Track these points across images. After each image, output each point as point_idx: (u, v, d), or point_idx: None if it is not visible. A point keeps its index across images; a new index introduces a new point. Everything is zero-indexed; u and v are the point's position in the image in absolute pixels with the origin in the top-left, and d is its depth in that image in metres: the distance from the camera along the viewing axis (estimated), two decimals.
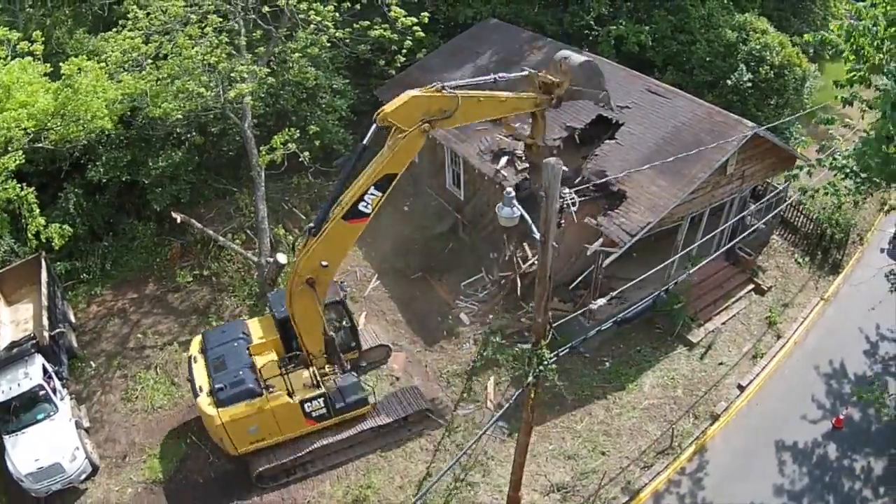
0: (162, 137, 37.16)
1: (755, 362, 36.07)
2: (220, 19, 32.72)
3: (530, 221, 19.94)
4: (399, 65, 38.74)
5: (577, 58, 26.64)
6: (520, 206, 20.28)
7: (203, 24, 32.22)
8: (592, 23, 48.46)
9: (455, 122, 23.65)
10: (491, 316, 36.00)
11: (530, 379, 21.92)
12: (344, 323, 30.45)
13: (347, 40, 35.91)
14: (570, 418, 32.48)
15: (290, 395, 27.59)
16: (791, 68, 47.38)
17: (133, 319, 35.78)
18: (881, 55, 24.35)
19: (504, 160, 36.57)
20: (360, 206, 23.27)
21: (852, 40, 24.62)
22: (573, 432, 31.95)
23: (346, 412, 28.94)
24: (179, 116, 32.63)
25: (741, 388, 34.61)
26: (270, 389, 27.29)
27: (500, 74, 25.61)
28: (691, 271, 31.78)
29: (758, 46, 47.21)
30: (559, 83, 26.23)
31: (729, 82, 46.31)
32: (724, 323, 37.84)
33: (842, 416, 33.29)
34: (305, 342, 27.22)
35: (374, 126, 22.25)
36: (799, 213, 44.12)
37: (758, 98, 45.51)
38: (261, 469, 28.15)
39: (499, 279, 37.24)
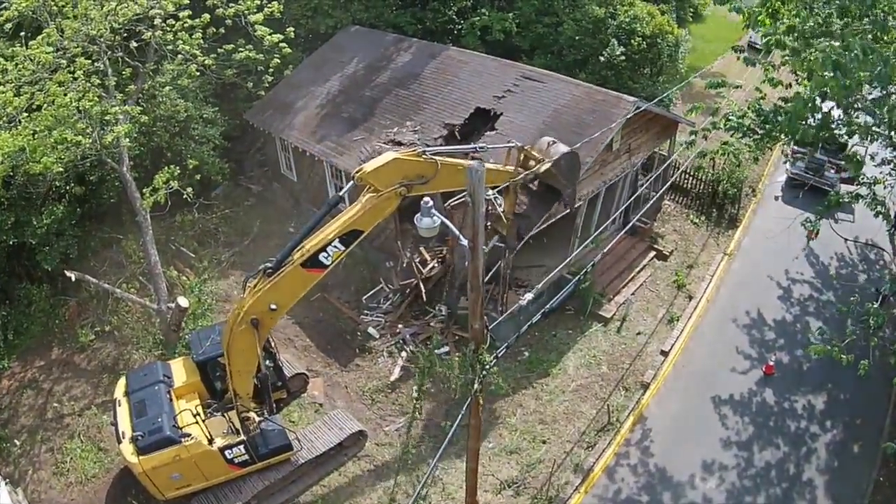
0: (42, 193, 36.15)
1: (672, 326, 37.46)
2: (88, 61, 32.37)
3: (456, 231, 20.47)
4: (267, 84, 39.39)
5: (563, 147, 26.63)
6: (440, 214, 20.45)
7: (72, 69, 31.76)
8: (455, 17, 49.77)
9: (431, 187, 23.01)
10: (400, 325, 36.14)
11: (476, 386, 22.21)
12: (267, 363, 29.83)
13: (213, 66, 36.09)
14: (503, 413, 33.03)
15: (210, 441, 27.23)
16: (663, 36, 49.24)
17: (45, 388, 34.60)
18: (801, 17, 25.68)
19: None
20: (321, 257, 22.75)
21: (769, 4, 26.15)
22: (509, 426, 32.44)
23: (269, 457, 28.70)
24: (60, 169, 31.50)
25: (664, 354, 35.80)
26: (188, 438, 26.81)
27: (481, 144, 25.67)
28: (599, 254, 33.72)
29: (627, 19, 48.80)
30: (541, 161, 26.04)
31: (602, 58, 47.75)
32: (633, 294, 39.11)
33: (771, 363, 34.89)
34: (235, 383, 26.60)
35: (350, 183, 22.15)
36: (689, 176, 46.01)
37: (632, 70, 47.38)
38: None
39: (400, 287, 37.22)
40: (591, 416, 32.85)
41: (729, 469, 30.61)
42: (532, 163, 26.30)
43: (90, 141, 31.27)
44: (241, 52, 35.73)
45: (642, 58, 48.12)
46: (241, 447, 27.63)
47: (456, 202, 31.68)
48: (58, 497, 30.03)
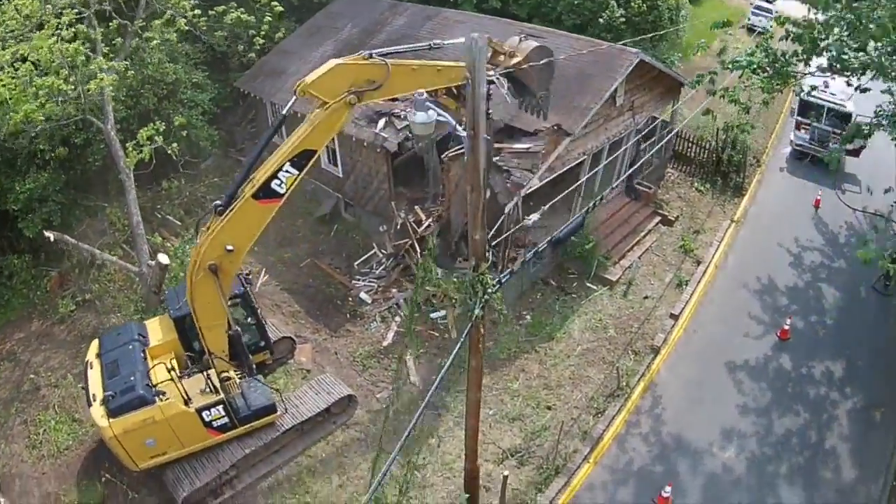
0: (26, 158, 32.69)
1: (681, 290, 33.23)
2: (74, 11, 29.38)
3: (453, 122, 17.17)
4: (258, 47, 35.67)
5: (535, 42, 22.77)
6: (435, 107, 17.16)
7: (59, 25, 28.60)
8: None
9: (385, 93, 19.09)
10: (394, 290, 31.79)
11: (477, 311, 17.93)
12: (248, 320, 26.03)
13: (204, 28, 33.01)
14: (504, 378, 28.74)
15: (187, 402, 23.12)
16: None
17: (24, 360, 30.59)
18: None
19: (382, 122, 32.66)
20: (273, 185, 19.58)
21: None
22: (511, 392, 28.16)
23: (251, 421, 24.48)
24: (42, 118, 28.07)
25: (674, 318, 31.61)
26: (162, 397, 22.66)
27: (436, 41, 20.51)
28: (603, 199, 29.71)
29: None
30: (512, 54, 22.23)
31: (601, 20, 43.65)
32: (639, 258, 34.94)
33: (786, 327, 30.81)
34: (207, 340, 22.63)
35: (293, 98, 18.52)
36: (692, 144, 42.18)
37: (632, 33, 42.52)
38: (184, 495, 23.30)
39: (393, 251, 32.76)
40: (598, 381, 28.61)
41: (748, 437, 26.55)
42: (501, 58, 22.34)
43: (73, 89, 28.24)
44: (233, 13, 32.81)
45: (643, 20, 43.99)
46: (221, 408, 23.51)
47: (453, 153, 27.70)
48: (29, 471, 26.02)
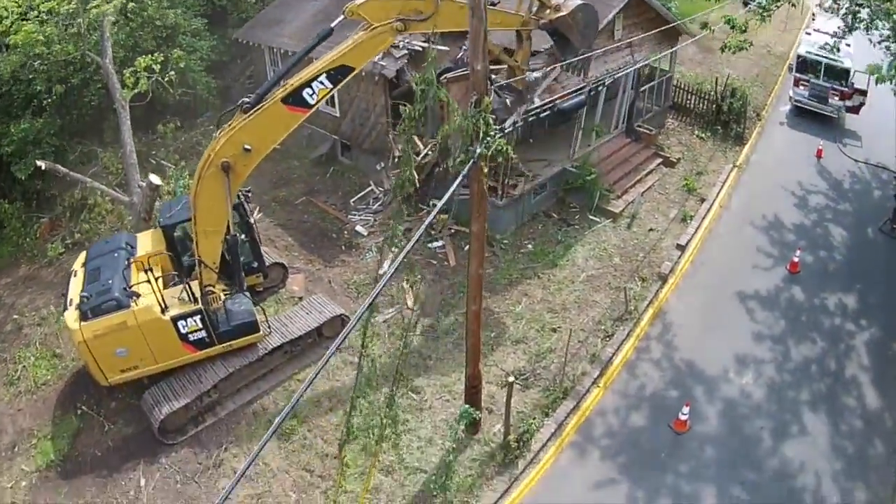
0: (22, 103, 30.74)
1: (686, 224, 29.89)
2: None
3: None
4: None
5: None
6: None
7: None
8: None
9: (430, 26, 18.35)
10: (392, 222, 27.96)
11: (479, 150, 15.47)
12: (243, 237, 22.64)
13: None
14: (506, 302, 25.42)
15: (163, 310, 20.09)
16: None
17: (8, 303, 27.65)
18: None
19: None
20: (305, 93, 18.08)
21: None
22: (513, 315, 24.84)
23: (230, 338, 21.28)
24: (42, 40, 26.51)
25: (681, 248, 28.32)
26: (137, 299, 19.76)
27: None
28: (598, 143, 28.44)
29: None
30: (557, 7, 21.62)
31: None
32: (642, 194, 31.49)
33: (796, 259, 27.60)
34: (201, 246, 19.76)
35: (340, 17, 17.59)
36: (691, 94, 38.80)
37: None
38: (162, 418, 20.09)
39: (391, 187, 29.34)
40: (605, 306, 25.36)
41: (765, 363, 23.40)
42: (547, 11, 21.85)
43: (74, 9, 26.37)
44: None
45: None
46: (198, 319, 20.35)
47: (454, 75, 25.14)
48: (4, 408, 22.95)
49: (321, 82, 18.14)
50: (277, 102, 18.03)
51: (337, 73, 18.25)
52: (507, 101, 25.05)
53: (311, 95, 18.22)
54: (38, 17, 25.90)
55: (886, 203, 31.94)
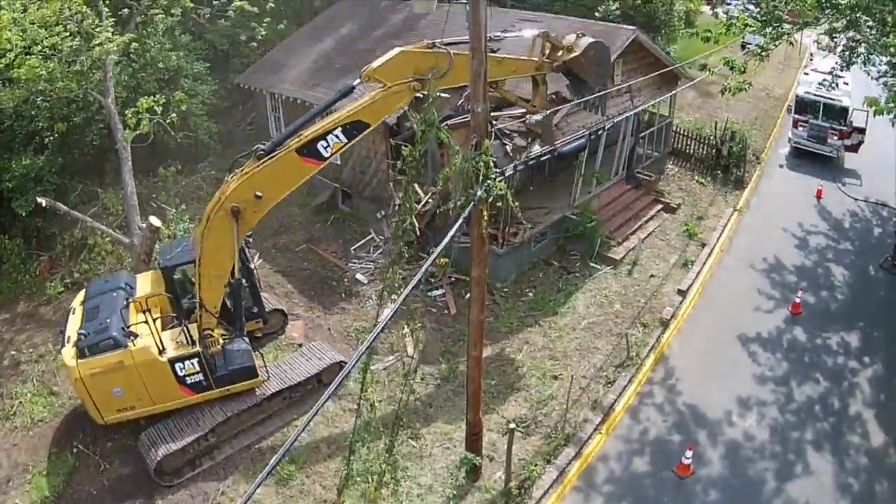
0: (23, 139, 30.89)
1: (687, 269, 29.92)
2: None
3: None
4: (261, 38, 34.17)
5: (591, 38, 22.16)
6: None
7: None
8: None
9: (448, 82, 18.48)
10: (391, 267, 28.17)
11: (480, 193, 15.67)
12: (243, 282, 22.58)
13: (208, 16, 31.36)
14: (506, 350, 25.38)
15: (161, 351, 20.10)
16: None
17: (6, 339, 27.60)
18: None
19: None
20: (319, 145, 18.22)
21: None
22: (514, 363, 24.78)
23: (229, 382, 21.28)
24: (44, 75, 26.37)
25: (682, 294, 28.31)
26: (134, 339, 19.85)
27: (496, 33, 20.85)
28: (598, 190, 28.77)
29: None
30: (570, 48, 21.81)
31: (597, 14, 40.87)
32: (642, 240, 31.54)
33: (797, 300, 27.67)
34: (204, 289, 19.82)
35: (357, 81, 18.28)
36: (691, 139, 39.29)
37: (628, 24, 39.85)
38: (158, 459, 19.96)
39: (394, 238, 29.39)
40: (607, 352, 25.25)
41: (768, 405, 23.24)
42: (559, 53, 21.86)
43: (77, 46, 26.44)
44: (237, 3, 30.94)
45: (639, 13, 41.29)
46: (196, 362, 20.37)
47: (455, 122, 25.44)
48: (0, 442, 22.81)
49: (336, 136, 18.29)
50: (292, 152, 18.17)
51: (352, 128, 18.42)
52: (508, 147, 25.26)
53: (325, 148, 18.39)
54: (41, 51, 26.00)
55: (887, 240, 32.23)
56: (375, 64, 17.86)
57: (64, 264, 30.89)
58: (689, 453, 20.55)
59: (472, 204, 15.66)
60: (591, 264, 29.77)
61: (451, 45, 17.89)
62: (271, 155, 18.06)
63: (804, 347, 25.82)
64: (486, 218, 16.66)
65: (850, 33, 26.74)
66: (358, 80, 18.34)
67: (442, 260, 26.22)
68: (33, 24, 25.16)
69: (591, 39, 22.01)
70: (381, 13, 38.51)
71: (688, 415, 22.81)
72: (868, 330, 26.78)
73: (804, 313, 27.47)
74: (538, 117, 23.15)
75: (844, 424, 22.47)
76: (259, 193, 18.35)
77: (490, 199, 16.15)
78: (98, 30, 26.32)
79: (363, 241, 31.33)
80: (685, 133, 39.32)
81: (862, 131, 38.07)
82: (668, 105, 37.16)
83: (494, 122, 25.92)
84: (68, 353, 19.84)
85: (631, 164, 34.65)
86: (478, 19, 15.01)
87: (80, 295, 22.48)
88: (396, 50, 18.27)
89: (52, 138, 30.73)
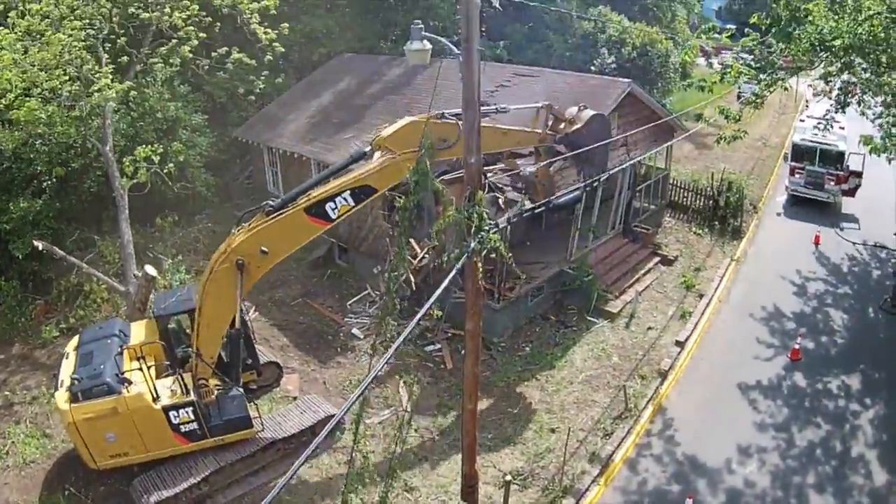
0: (21, 182, 30.97)
1: (685, 321, 29.92)
2: (85, 22, 27.34)
3: (448, 44, 17.69)
4: (259, 90, 34.30)
5: (593, 111, 23.34)
6: (430, 37, 17.33)
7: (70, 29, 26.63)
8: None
9: (455, 152, 19.30)
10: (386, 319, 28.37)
11: (473, 244, 15.78)
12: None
13: (206, 67, 31.40)
14: (503, 404, 25.30)
15: (155, 399, 20.22)
16: (653, 45, 44.24)
17: (1, 379, 27.66)
18: None
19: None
20: (328, 206, 18.73)
21: None
22: (511, 416, 24.69)
23: (223, 432, 21.36)
24: (44, 118, 26.73)
25: (680, 345, 28.27)
26: (129, 386, 20.03)
27: (503, 105, 21.50)
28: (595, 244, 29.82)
29: (616, 33, 43.84)
30: (572, 121, 22.75)
31: (592, 68, 41.41)
32: (640, 293, 31.63)
33: (797, 347, 27.67)
34: (202, 339, 19.93)
35: (368, 148, 19.12)
36: (688, 192, 39.70)
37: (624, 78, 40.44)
38: None
39: (387, 289, 29.56)
40: (604, 405, 25.18)
41: (769, 451, 23.07)
42: (562, 125, 22.85)
43: (77, 90, 26.47)
44: (235, 55, 30.85)
45: (634, 66, 41.68)
46: (190, 411, 20.51)
47: (450, 177, 25.74)
48: None
49: (344, 198, 18.71)
50: (300, 211, 18.53)
51: (360, 192, 18.84)
52: (500, 200, 25.51)
53: (333, 210, 18.76)
54: (40, 94, 26.20)
55: (886, 281, 32.41)
56: (385, 133, 18.65)
57: (59, 309, 31.06)
58: (688, 502, 20.44)
59: (465, 256, 15.74)
60: (589, 318, 29.81)
61: (459, 116, 18.02)
62: (280, 212, 18.45)
63: (804, 393, 25.76)
64: (480, 270, 16.70)
65: (845, 76, 26.94)
66: (368, 148, 19.00)
67: (436, 312, 26.30)
68: (33, 66, 25.32)
69: (593, 112, 22.80)
70: (378, 67, 39.11)
71: (687, 464, 22.64)
72: (869, 372, 26.80)
73: (804, 359, 27.46)
74: (532, 169, 23.43)
75: (847, 466, 22.35)
76: (265, 248, 18.65)
77: (484, 252, 16.26)
78: (97, 76, 26.65)
79: (359, 297, 31.39)
80: (682, 185, 39.72)
81: (859, 175, 38.41)
82: (664, 157, 37.48)
83: (488, 175, 26.26)
84: (62, 397, 19.96)
85: (628, 218, 34.83)
86: (471, 72, 15.38)
87: (74, 340, 22.62)
88: (406, 120, 19.03)
89: (50, 183, 30.88)
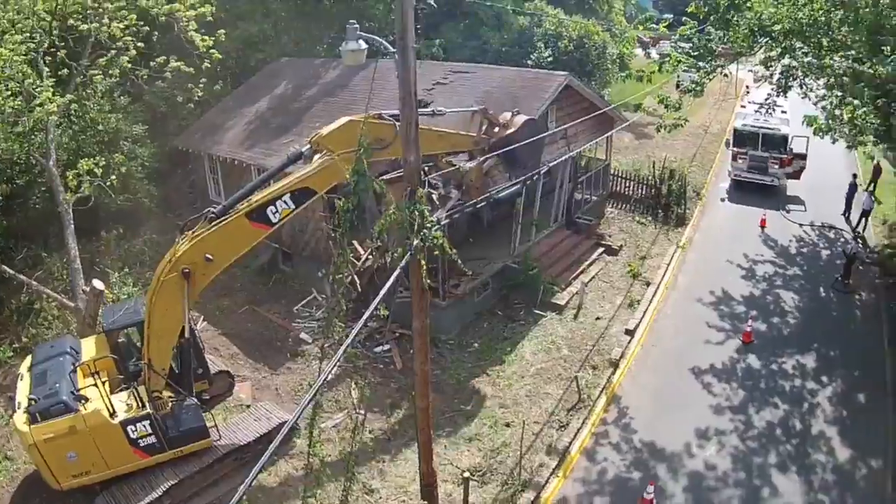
0: None
1: (633, 309, 30.13)
2: (25, 36, 27.36)
3: (383, 43, 16.66)
4: (197, 97, 33.52)
5: (525, 116, 23.84)
6: (366, 37, 16.59)
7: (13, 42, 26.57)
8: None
9: (389, 153, 19.19)
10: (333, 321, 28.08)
11: (416, 242, 15.65)
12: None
13: (146, 77, 30.87)
14: (456, 402, 25.15)
15: (112, 414, 19.94)
16: (590, 38, 44.59)
17: None
18: None
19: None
20: (269, 211, 18.77)
21: None
22: (465, 414, 24.53)
23: (181, 444, 21.03)
24: None
25: (630, 333, 28.48)
26: (85, 403, 19.67)
27: (439, 108, 22.08)
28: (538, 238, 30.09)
29: (552, 27, 44.07)
30: (506, 125, 23.43)
31: (529, 62, 41.41)
32: (586, 284, 31.67)
33: (748, 330, 27.84)
34: (152, 350, 19.63)
35: (307, 147, 19.02)
36: (629, 181, 40.00)
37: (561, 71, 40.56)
38: None
39: (332, 291, 29.31)
40: (557, 396, 25.10)
41: (727, 433, 23.23)
42: (496, 129, 23.43)
43: (21, 107, 26.31)
44: (174, 64, 30.43)
45: (571, 58, 41.86)
46: (147, 424, 20.21)
47: (390, 177, 25.59)
48: None
49: (285, 202, 18.70)
50: (242, 217, 18.43)
51: (300, 195, 18.83)
52: (434, 196, 25.37)
53: (274, 213, 18.73)
54: None
55: (836, 261, 32.88)
56: (324, 131, 18.64)
57: (11, 329, 30.23)
58: (650, 488, 20.35)
59: (408, 254, 15.58)
60: (536, 311, 29.77)
61: (397, 117, 17.83)
62: (222, 218, 18.28)
63: (759, 374, 25.96)
64: (424, 267, 16.52)
65: (786, 60, 27.20)
66: (307, 147, 18.86)
67: (382, 312, 26.09)
68: None
69: (526, 118, 23.28)
70: (315, 70, 38.83)
71: (645, 451, 22.66)
72: (823, 350, 27.16)
73: (756, 341, 27.68)
74: (471, 164, 23.38)
75: (808, 444, 22.56)
76: (210, 256, 18.50)
77: (427, 249, 16.11)
78: (39, 90, 26.26)
79: (305, 301, 31.10)
80: (623, 175, 39.97)
81: (803, 157, 38.89)
82: (604, 148, 37.60)
83: (427, 172, 26.18)
84: (20, 418, 19.57)
85: (570, 210, 34.97)
86: (407, 68, 15.24)
87: (27, 360, 22.23)
88: (344, 119, 19.03)
89: None
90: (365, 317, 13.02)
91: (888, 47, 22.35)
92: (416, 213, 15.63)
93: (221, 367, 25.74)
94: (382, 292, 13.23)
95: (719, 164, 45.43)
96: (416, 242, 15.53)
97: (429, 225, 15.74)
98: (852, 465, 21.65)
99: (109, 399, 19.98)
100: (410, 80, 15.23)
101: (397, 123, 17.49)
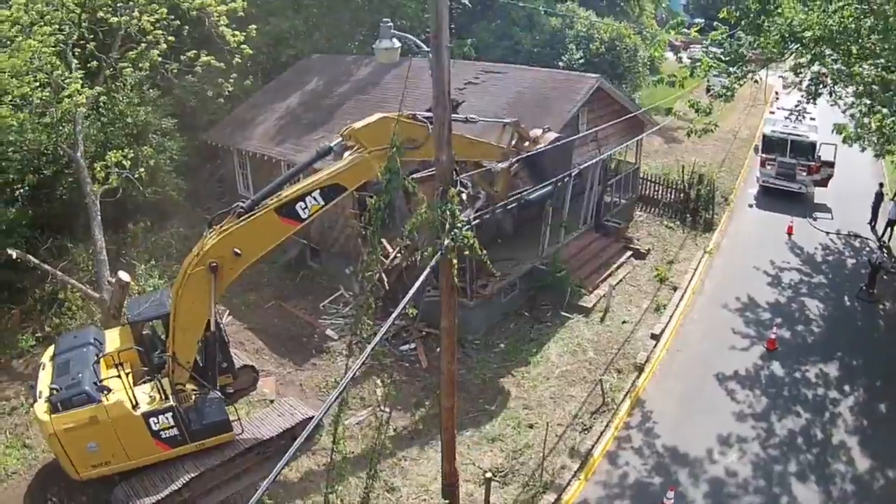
0: None
1: (660, 314, 30.11)
2: (55, 28, 27.27)
3: (417, 41, 16.80)
4: (227, 92, 34.34)
5: (555, 133, 24.13)
6: (399, 35, 16.69)
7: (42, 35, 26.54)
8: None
9: (421, 154, 19.11)
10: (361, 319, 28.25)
11: (447, 242, 15.79)
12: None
13: (175, 71, 31.62)
14: (480, 402, 25.29)
15: (134, 406, 20.02)
16: (622, 40, 44.48)
17: None
18: None
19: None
20: (298, 207, 18.72)
21: None
22: (488, 414, 24.67)
23: (204, 436, 21.18)
24: (14, 125, 26.52)
25: (655, 338, 28.43)
26: (108, 393, 19.75)
27: (472, 116, 21.83)
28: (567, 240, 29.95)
29: (583, 29, 44.03)
30: (536, 141, 23.41)
31: (560, 64, 41.51)
32: (613, 287, 31.60)
33: (773, 337, 27.84)
34: (178, 343, 19.78)
35: (339, 139, 18.96)
36: (658, 185, 39.96)
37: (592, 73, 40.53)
38: None
39: (362, 289, 29.47)
40: (582, 399, 25.22)
41: (749, 441, 23.20)
42: (525, 143, 23.42)
43: (49, 98, 26.63)
44: (204, 58, 31.04)
45: (602, 60, 41.84)
46: (170, 416, 20.32)
47: (420, 176, 25.74)
48: None
49: (314, 198, 18.69)
50: (271, 212, 18.48)
51: (330, 191, 18.83)
52: (463, 196, 25.47)
53: (303, 209, 18.74)
54: (11, 101, 25.94)
55: (861, 270, 32.72)
56: (357, 125, 18.55)
57: (35, 318, 30.55)
58: (670, 493, 20.47)
59: (439, 253, 15.70)
60: (563, 313, 29.86)
61: (431, 119, 17.91)
62: (251, 213, 18.35)
63: (783, 382, 25.96)
64: (454, 266, 16.63)
65: (816, 67, 27.15)
66: (337, 141, 18.87)
67: (411, 311, 26.21)
68: (4, 72, 25.02)
69: (555, 135, 23.34)
70: (346, 67, 39.02)
71: (667, 456, 22.74)
72: (846, 359, 27.08)
73: (780, 349, 27.66)
74: (503, 164, 23.49)
75: (829, 454, 22.52)
76: (238, 250, 18.56)
77: (457, 249, 16.23)
78: (68, 81, 26.46)
79: (333, 297, 31.27)
80: (653, 179, 39.96)
81: (831, 165, 38.79)
82: (634, 152, 37.62)
83: (458, 172, 26.32)
84: (41, 408, 19.68)
85: (599, 213, 34.96)
86: (441, 67, 15.35)
87: (50, 350, 22.33)
88: (378, 115, 18.91)
89: (22, 191, 30.54)
90: (395, 315, 13.19)
91: None
92: (448, 213, 15.71)
93: (246, 362, 25.94)
94: (412, 291, 13.37)
95: (748, 169, 45.31)
96: (447, 242, 15.65)
97: (459, 224, 15.84)
98: (871, 475, 21.64)
99: (132, 390, 20.14)
100: (444, 80, 15.33)
101: (430, 125, 17.63)
